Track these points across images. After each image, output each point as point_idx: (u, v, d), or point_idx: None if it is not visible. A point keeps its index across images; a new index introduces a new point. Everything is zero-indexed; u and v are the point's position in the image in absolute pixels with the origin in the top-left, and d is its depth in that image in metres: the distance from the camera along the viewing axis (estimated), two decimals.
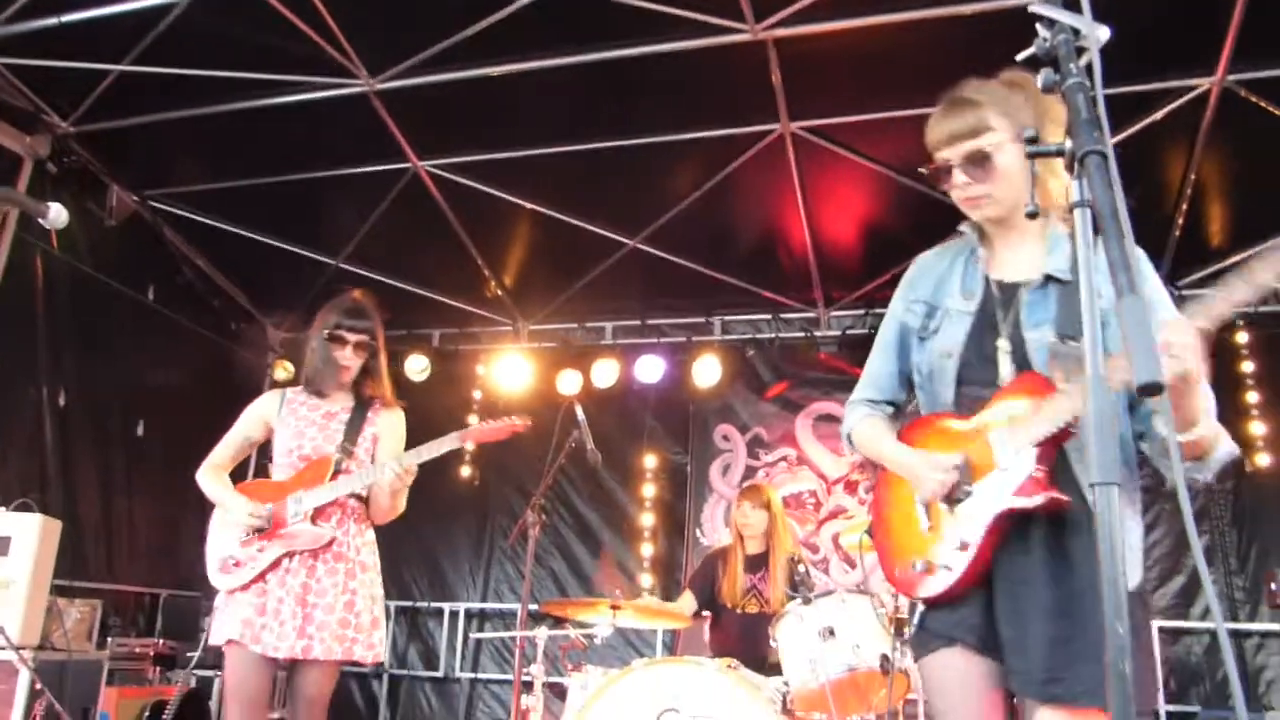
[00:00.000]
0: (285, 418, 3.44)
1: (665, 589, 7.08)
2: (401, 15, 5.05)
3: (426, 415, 5.98)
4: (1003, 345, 2.04)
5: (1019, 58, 1.37)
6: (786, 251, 6.65)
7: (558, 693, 4.55)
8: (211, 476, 3.44)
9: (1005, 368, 2.02)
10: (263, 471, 3.82)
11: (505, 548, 7.64)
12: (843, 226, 6.43)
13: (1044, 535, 1.94)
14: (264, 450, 3.59)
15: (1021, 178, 2.01)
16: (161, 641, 6.11)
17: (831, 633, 3.69)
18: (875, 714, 3.78)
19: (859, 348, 6.97)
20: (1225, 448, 1.79)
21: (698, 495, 7.38)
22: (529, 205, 6.38)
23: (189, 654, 6.09)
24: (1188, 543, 5.95)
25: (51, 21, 4.94)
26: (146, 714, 5.42)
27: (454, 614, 7.60)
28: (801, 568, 4.13)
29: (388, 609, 7.54)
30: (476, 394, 7.93)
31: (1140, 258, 1.91)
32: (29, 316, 5.78)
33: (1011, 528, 1.96)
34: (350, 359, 3.42)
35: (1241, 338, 6.35)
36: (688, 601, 5.00)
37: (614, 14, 4.74)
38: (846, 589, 3.89)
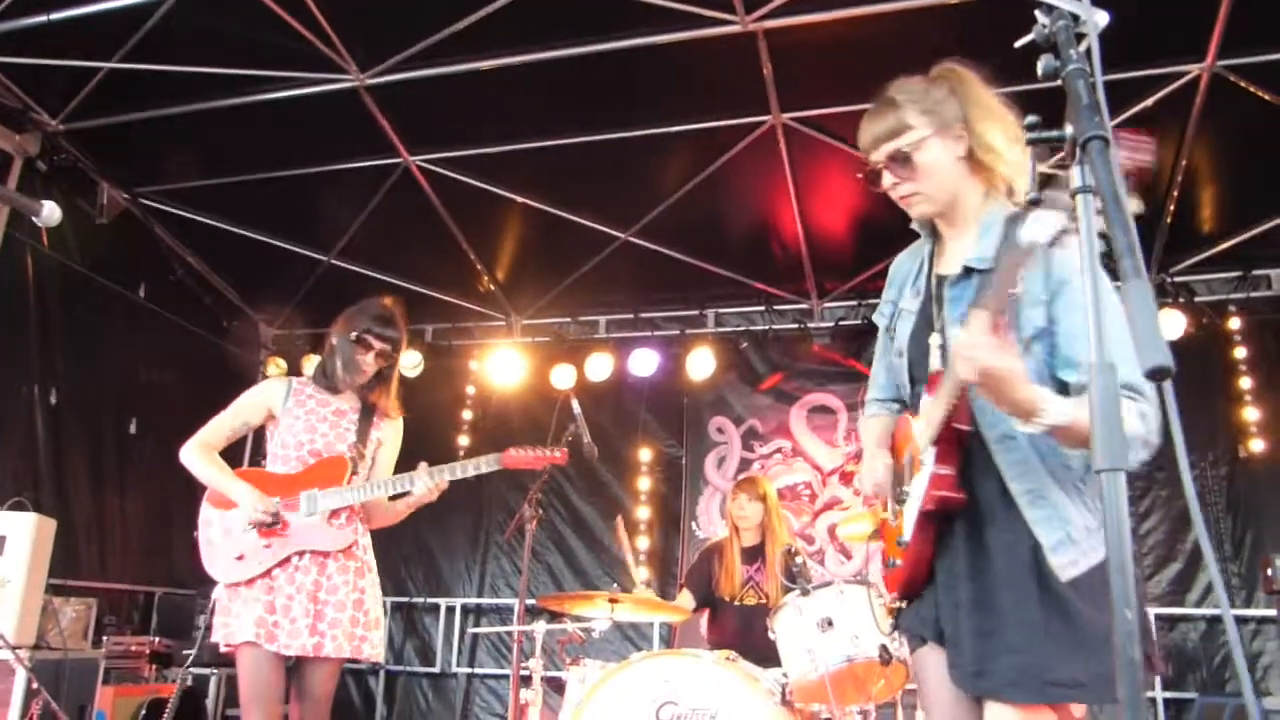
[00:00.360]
0: (293, 408, 3.39)
1: (661, 581, 7.09)
2: (390, 10, 5.04)
3: (420, 411, 5.96)
4: (934, 340, 2.05)
5: (1018, 44, 1.37)
6: (779, 243, 6.65)
7: (555, 687, 4.55)
8: (205, 457, 3.32)
9: (936, 363, 2.03)
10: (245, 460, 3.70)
11: (501, 543, 7.64)
12: (835, 217, 6.42)
13: (965, 529, 1.97)
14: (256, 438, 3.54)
15: (947, 172, 2.02)
16: (157, 640, 6.10)
17: (830, 624, 3.70)
18: (874, 704, 3.79)
19: (852, 339, 6.99)
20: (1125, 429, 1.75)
21: (693, 488, 7.38)
22: (520, 199, 6.36)
23: (184, 652, 6.08)
24: (1183, 529, 6.03)
25: (40, 19, 4.91)
26: (143, 712, 5.41)
27: (450, 609, 7.60)
28: (798, 559, 4.13)
29: (384, 605, 7.58)
30: (470, 389, 7.92)
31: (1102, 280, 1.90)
32: (20, 315, 5.75)
33: (941, 524, 1.99)
34: (371, 365, 3.40)
35: (1234, 324, 6.35)
36: (685, 600, 5.00)
37: (603, 6, 4.73)
38: (844, 580, 3.89)
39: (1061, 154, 1.27)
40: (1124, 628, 0.96)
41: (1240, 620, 5.93)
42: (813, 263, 6.78)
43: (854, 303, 7.09)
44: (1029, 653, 1.82)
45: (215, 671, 5.99)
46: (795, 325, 7.26)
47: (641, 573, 7.14)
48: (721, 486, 7.24)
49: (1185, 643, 6.05)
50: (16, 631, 4.48)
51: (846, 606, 3.73)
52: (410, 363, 7.57)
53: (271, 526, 3.19)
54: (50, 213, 2.36)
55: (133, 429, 6.53)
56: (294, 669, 3.21)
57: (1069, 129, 1.24)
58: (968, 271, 2.02)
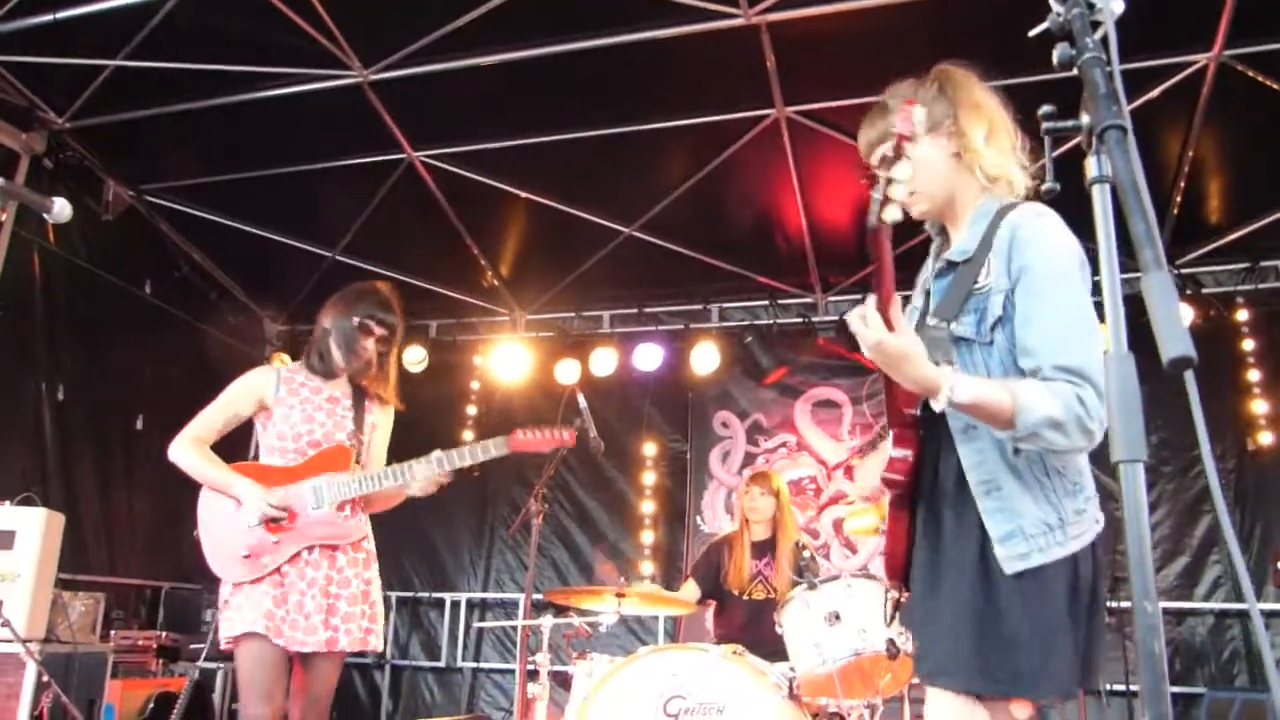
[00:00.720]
0: (285, 398, 3.30)
1: (666, 576, 7.09)
2: (394, 6, 5.03)
3: (425, 406, 6.00)
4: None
5: (1032, 33, 1.36)
6: (783, 237, 6.64)
7: (561, 681, 4.55)
8: (199, 453, 3.23)
9: None
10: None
11: (505, 537, 7.65)
12: (839, 211, 6.41)
13: (927, 517, 2.00)
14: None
15: (940, 169, 2.04)
16: (164, 634, 6.12)
17: (837, 617, 3.70)
18: (882, 698, 3.79)
19: None
20: (1040, 411, 1.73)
21: (698, 482, 7.38)
22: (524, 194, 6.36)
23: (192, 646, 6.10)
24: (1190, 523, 6.01)
25: (46, 18, 4.92)
26: (151, 706, 5.43)
27: (455, 604, 7.61)
28: (806, 553, 4.13)
29: (389, 600, 7.60)
30: (474, 384, 7.92)
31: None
32: (27, 312, 5.76)
33: (911, 511, 2.03)
34: (371, 351, 3.34)
35: (1241, 315, 6.30)
36: (690, 590, 5.01)
37: (606, 2, 4.73)
38: (851, 574, 3.89)
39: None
40: (1145, 621, 0.95)
41: (1245, 614, 5.91)
42: (817, 256, 6.77)
43: (858, 296, 7.06)
44: (960, 640, 1.84)
45: (222, 666, 6.00)
46: (799, 319, 7.25)
47: (646, 567, 7.16)
48: (726, 481, 7.24)
49: (1193, 637, 6.03)
50: (27, 625, 4.49)
51: (854, 600, 3.73)
52: (415, 358, 7.57)
53: (279, 522, 3.12)
54: (61, 209, 2.37)
55: (139, 425, 6.54)
56: (299, 664, 3.15)
57: (1085, 118, 1.23)
58: (950, 265, 2.05)
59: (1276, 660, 5.83)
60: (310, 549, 3.15)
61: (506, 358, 7.53)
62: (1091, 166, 1.17)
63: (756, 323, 7.34)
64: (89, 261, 6.22)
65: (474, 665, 7.48)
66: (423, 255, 7.21)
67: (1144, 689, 0.97)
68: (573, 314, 7.76)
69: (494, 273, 7.38)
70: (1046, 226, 1.89)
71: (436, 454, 3.25)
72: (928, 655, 1.92)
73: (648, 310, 7.58)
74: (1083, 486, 1.90)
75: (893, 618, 2.15)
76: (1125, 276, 1.13)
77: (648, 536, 7.31)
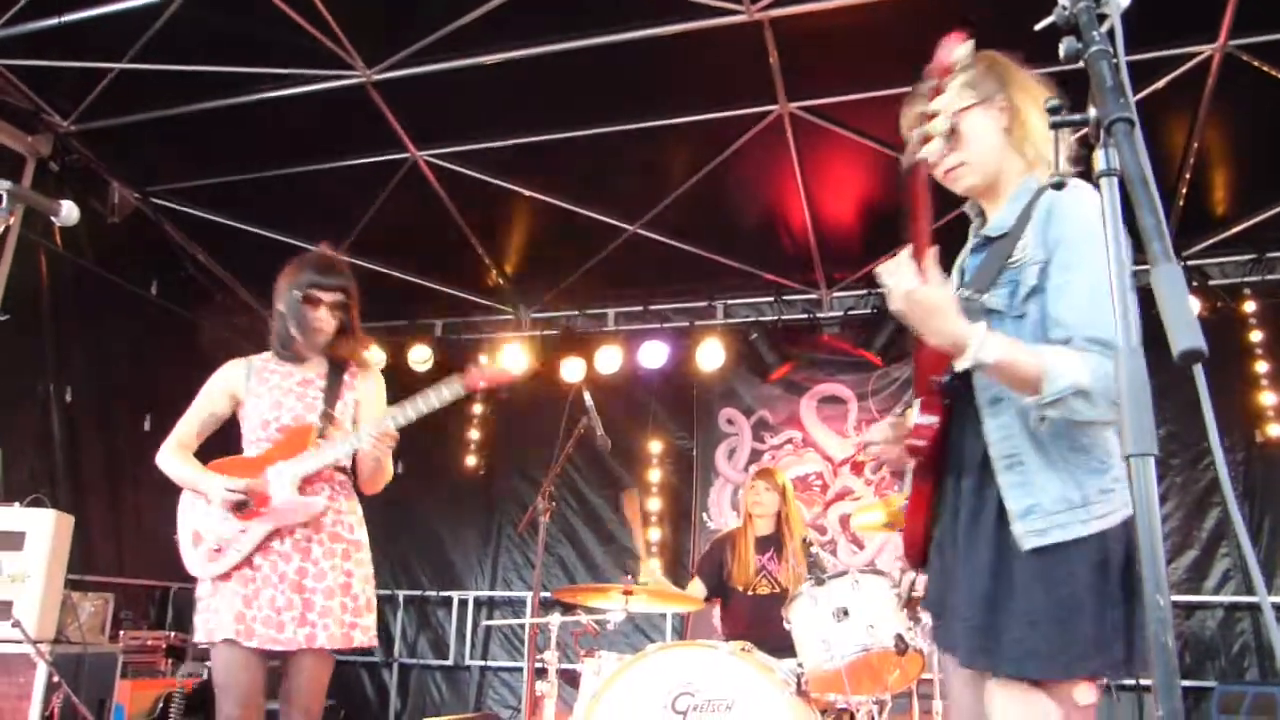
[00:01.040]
0: (255, 387, 3.19)
1: (673, 574, 7.09)
2: (397, 6, 5.04)
3: None
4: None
5: (1038, 26, 1.35)
6: (787, 233, 6.63)
7: (569, 679, 4.55)
8: (177, 458, 3.18)
9: None
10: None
11: (513, 536, 7.65)
12: (843, 206, 6.41)
13: (951, 491, 1.99)
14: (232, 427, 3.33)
15: (991, 141, 2.02)
16: (173, 634, 6.13)
17: (845, 613, 3.69)
18: (890, 694, 3.79)
19: (861, 328, 6.97)
20: (1069, 378, 1.70)
21: (703, 479, 7.39)
22: (528, 193, 6.36)
23: (200, 645, 6.11)
24: (1199, 515, 5.98)
25: (51, 22, 4.94)
26: (160, 705, 5.45)
27: (463, 602, 7.63)
28: (813, 549, 4.13)
29: (396, 598, 7.62)
30: (480, 383, 7.90)
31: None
32: (34, 314, 5.78)
33: (933, 483, 2.03)
34: (326, 320, 3.18)
35: (1248, 307, 6.27)
36: (696, 588, 5.00)
37: None
38: (859, 569, 3.88)
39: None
40: (1156, 614, 0.95)
41: (1258, 608, 5.85)
42: (821, 252, 6.76)
43: (863, 292, 7.07)
44: (974, 619, 1.83)
45: None
46: (804, 315, 7.24)
47: (653, 564, 7.16)
48: (732, 477, 7.24)
49: (1203, 630, 6.00)
50: (37, 626, 4.50)
51: (861, 596, 3.72)
52: (420, 357, 7.58)
53: (245, 507, 3.02)
54: (69, 212, 2.37)
55: (147, 425, 6.55)
56: (281, 667, 3.02)
57: (1092, 111, 1.23)
58: (986, 241, 2.04)
59: None
60: (280, 538, 3.02)
61: (511, 356, 7.53)
62: (1099, 160, 1.17)
63: (761, 319, 7.33)
64: (95, 263, 6.25)
65: (482, 663, 7.49)
66: (427, 254, 7.21)
67: (1156, 683, 0.96)
68: (577, 312, 7.76)
69: (498, 271, 7.39)
70: (1084, 198, 1.85)
71: (390, 410, 3.12)
72: (945, 630, 1.91)
73: (652, 308, 7.58)
74: (1110, 466, 1.85)
75: (908, 600, 2.15)
76: (1133, 269, 1.13)
77: (654, 533, 7.31)
